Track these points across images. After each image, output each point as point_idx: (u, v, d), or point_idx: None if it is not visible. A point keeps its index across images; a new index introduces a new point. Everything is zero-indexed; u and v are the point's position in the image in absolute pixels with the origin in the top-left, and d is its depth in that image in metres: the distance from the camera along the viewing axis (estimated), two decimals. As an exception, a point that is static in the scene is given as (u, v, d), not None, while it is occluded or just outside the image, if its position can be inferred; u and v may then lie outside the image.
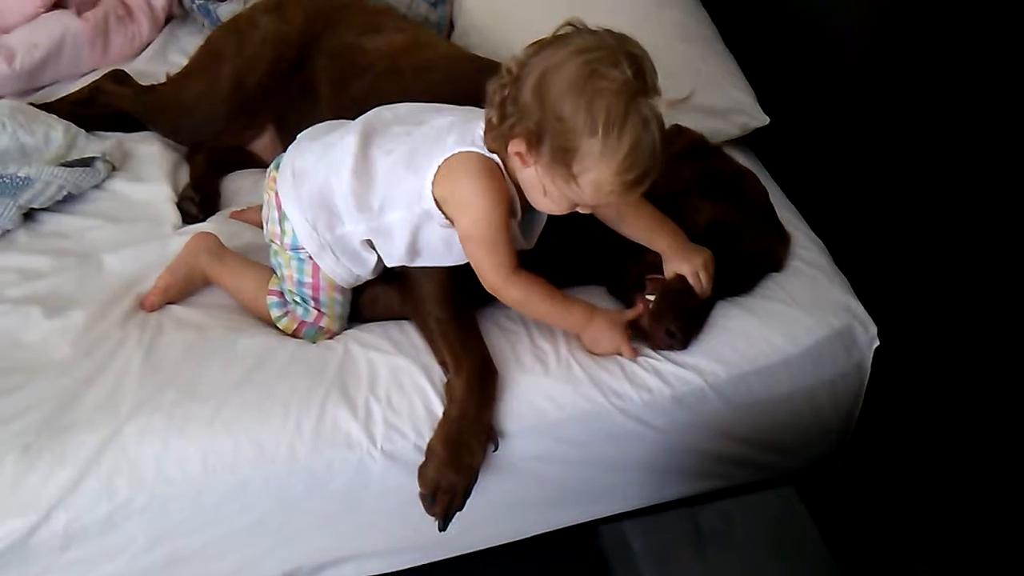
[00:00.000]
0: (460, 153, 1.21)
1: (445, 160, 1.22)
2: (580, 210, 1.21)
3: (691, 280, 1.34)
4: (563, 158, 1.11)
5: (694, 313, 1.38)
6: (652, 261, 1.38)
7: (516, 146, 1.15)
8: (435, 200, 1.24)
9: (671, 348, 1.38)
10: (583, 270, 1.46)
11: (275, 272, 1.42)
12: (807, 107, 1.85)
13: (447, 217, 1.25)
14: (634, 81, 1.07)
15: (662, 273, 1.38)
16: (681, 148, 1.44)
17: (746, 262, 1.44)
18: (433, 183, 1.23)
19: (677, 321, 1.34)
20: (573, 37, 1.13)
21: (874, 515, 1.55)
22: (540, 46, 1.14)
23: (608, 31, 1.14)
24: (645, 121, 1.08)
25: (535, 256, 1.32)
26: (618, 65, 1.07)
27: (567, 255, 1.38)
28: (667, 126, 1.35)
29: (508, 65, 1.15)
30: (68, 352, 1.32)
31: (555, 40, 1.13)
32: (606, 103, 1.07)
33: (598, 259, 1.44)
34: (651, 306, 1.36)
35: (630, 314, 1.37)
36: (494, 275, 1.25)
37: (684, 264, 1.34)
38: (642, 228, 1.35)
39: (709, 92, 1.73)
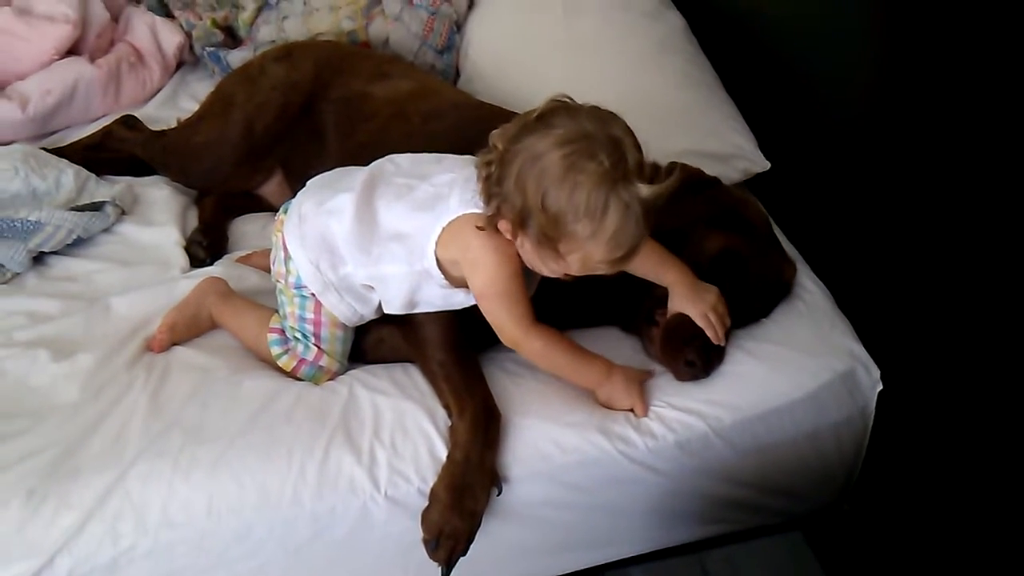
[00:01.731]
0: (465, 215, 1.23)
1: (450, 223, 1.24)
2: None
3: (700, 322, 1.36)
4: (549, 242, 1.16)
5: (709, 342, 1.38)
6: (660, 295, 1.40)
7: (503, 227, 1.19)
8: (438, 260, 1.26)
9: (696, 378, 1.39)
10: (595, 311, 1.47)
11: (277, 311, 1.43)
12: (808, 152, 1.87)
13: (447, 277, 1.28)
14: (612, 170, 1.11)
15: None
16: (680, 183, 1.46)
17: (755, 287, 1.46)
18: (437, 244, 1.25)
19: (694, 350, 1.36)
20: (555, 123, 1.14)
21: (881, 560, 1.54)
22: (524, 127, 1.16)
23: (592, 111, 1.15)
24: (626, 206, 1.12)
25: (546, 303, 1.33)
26: (595, 157, 1.11)
27: (578, 298, 1.40)
28: (665, 164, 1.39)
29: (494, 141, 1.18)
30: (75, 396, 1.33)
31: (538, 124, 1.15)
32: (586, 195, 1.11)
33: (609, 298, 1.45)
34: (660, 342, 1.38)
35: (645, 375, 1.39)
36: (515, 328, 1.26)
37: (692, 306, 1.36)
38: (648, 266, 1.37)
39: (711, 138, 1.76)
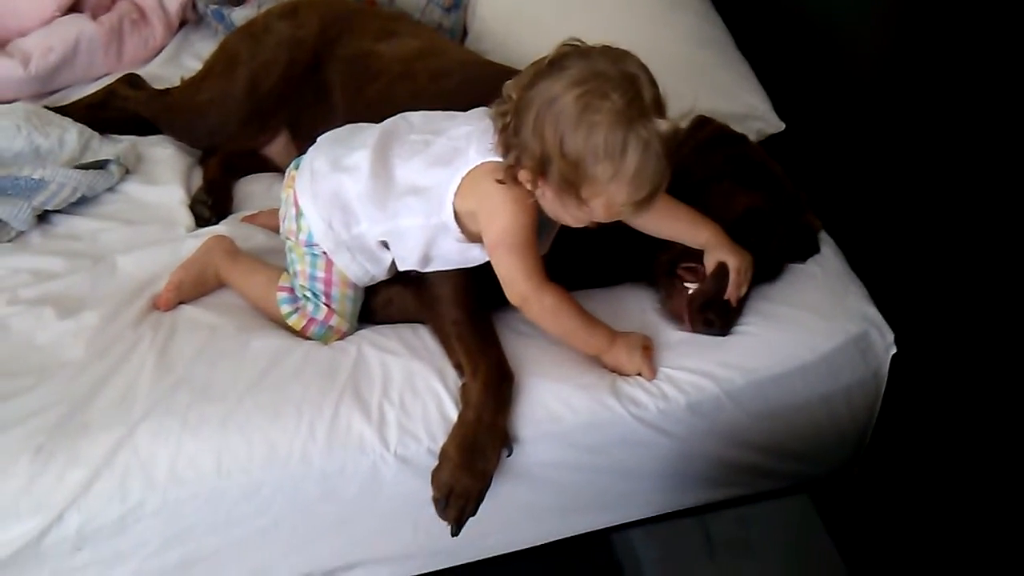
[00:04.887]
0: (484, 163, 1.21)
1: (469, 172, 1.22)
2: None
3: (733, 275, 1.35)
4: (570, 188, 1.14)
5: (729, 304, 1.39)
6: (682, 250, 1.39)
7: (524, 176, 1.17)
8: (456, 213, 1.25)
9: (710, 333, 1.39)
10: (610, 269, 1.46)
11: (287, 270, 1.42)
12: (822, 112, 1.84)
13: (463, 231, 1.26)
14: (627, 108, 1.09)
15: (695, 260, 1.39)
16: (708, 136, 1.44)
17: (779, 248, 1.46)
18: (456, 195, 1.23)
19: (717, 310, 1.37)
20: (568, 65, 1.12)
21: (889, 524, 1.54)
22: (536, 74, 1.14)
23: (604, 50, 1.14)
24: (645, 144, 1.10)
25: (562, 263, 1.31)
26: (609, 96, 1.09)
27: (593, 257, 1.38)
28: (688, 120, 1.39)
29: (508, 91, 1.17)
30: (81, 353, 1.32)
31: (550, 68, 1.13)
32: (603, 136, 1.09)
33: (625, 256, 1.43)
34: (694, 292, 1.38)
35: (647, 341, 1.37)
36: (526, 282, 1.24)
37: (733, 256, 1.35)
38: (681, 227, 1.37)
39: (724, 98, 1.74)
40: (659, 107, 1.11)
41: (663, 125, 1.10)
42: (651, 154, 1.10)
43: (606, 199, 1.14)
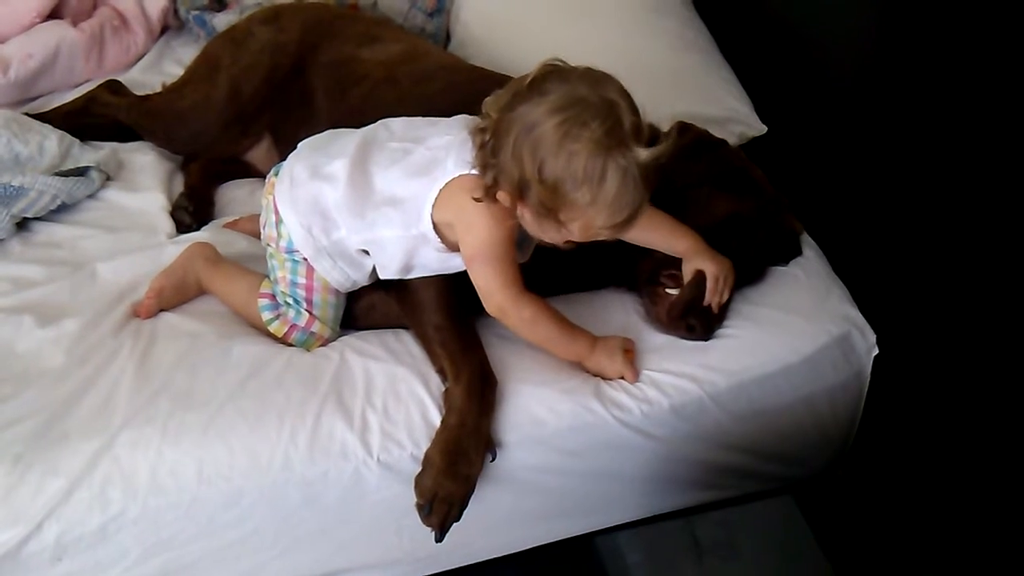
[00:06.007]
0: (462, 177, 1.21)
1: (447, 184, 1.22)
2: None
3: (710, 282, 1.36)
4: (549, 212, 1.14)
5: (711, 310, 1.39)
6: (664, 257, 1.40)
7: (502, 198, 1.17)
8: (434, 223, 1.25)
9: (692, 339, 1.40)
10: (592, 275, 1.47)
11: (268, 276, 1.41)
12: (804, 116, 1.86)
13: (443, 241, 1.26)
14: (606, 136, 1.09)
15: (677, 267, 1.39)
16: (689, 142, 1.45)
17: (761, 253, 1.47)
18: (434, 207, 1.23)
19: (698, 316, 1.37)
20: (548, 90, 1.12)
21: (873, 525, 1.55)
22: (516, 95, 1.14)
23: (585, 74, 1.13)
24: (624, 171, 1.10)
25: (543, 269, 1.31)
26: (588, 125, 1.09)
27: (575, 263, 1.38)
28: (670, 125, 1.39)
29: (487, 109, 1.16)
30: (61, 361, 1.31)
31: (530, 91, 1.13)
32: (583, 163, 1.09)
33: (607, 262, 1.44)
34: (673, 300, 1.39)
35: (628, 344, 1.38)
36: (504, 294, 1.25)
37: (711, 264, 1.36)
38: (660, 236, 1.37)
39: (707, 102, 1.74)
40: (639, 134, 1.11)
41: (642, 154, 1.10)
42: (629, 181, 1.10)
43: (584, 222, 1.14)
